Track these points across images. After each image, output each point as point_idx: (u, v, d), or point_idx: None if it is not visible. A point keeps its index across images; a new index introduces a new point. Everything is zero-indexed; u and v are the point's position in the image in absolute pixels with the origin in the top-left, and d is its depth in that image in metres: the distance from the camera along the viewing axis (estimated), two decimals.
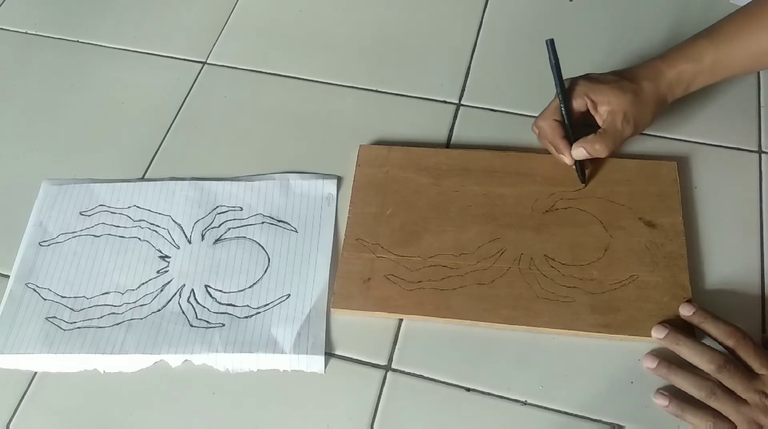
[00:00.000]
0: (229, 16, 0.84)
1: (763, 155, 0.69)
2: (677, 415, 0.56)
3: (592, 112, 0.65)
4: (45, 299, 0.64)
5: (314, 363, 0.60)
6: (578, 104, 0.65)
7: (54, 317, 0.63)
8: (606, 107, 0.64)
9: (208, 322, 0.62)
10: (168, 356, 0.61)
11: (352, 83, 0.77)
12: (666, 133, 0.71)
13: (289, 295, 0.64)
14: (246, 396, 0.60)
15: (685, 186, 0.67)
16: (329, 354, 0.61)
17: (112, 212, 0.69)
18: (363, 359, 0.61)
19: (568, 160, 0.65)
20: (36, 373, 0.62)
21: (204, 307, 0.63)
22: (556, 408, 0.57)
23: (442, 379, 0.59)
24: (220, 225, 0.68)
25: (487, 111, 0.74)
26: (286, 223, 0.68)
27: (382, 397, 0.59)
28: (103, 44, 0.83)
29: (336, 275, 0.64)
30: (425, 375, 0.59)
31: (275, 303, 0.63)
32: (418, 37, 0.80)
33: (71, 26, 0.84)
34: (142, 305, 0.64)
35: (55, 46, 0.83)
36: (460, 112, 0.74)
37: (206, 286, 0.65)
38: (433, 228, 0.65)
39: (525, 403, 0.58)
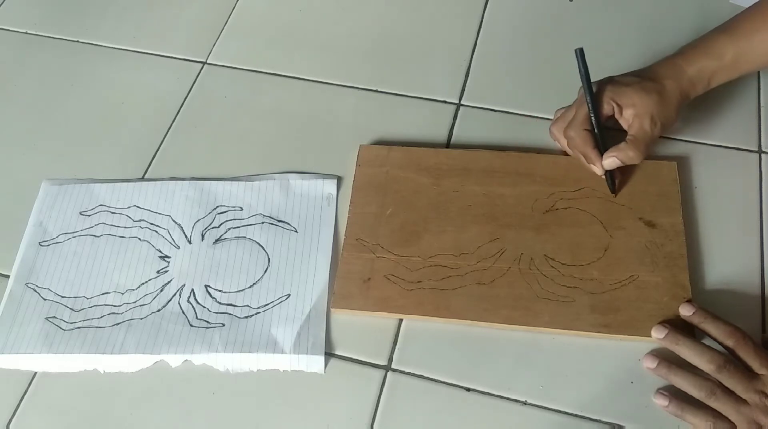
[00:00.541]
0: (229, 16, 0.84)
1: (763, 155, 0.69)
2: (677, 415, 0.56)
3: (617, 116, 0.65)
4: (45, 299, 0.64)
5: (314, 363, 0.60)
6: (605, 110, 0.65)
7: (54, 317, 0.63)
8: (631, 110, 0.63)
9: (208, 322, 0.62)
10: (168, 356, 0.61)
11: (352, 83, 0.77)
12: (666, 133, 0.70)
13: (289, 295, 0.64)
14: (246, 396, 0.60)
15: (685, 186, 0.67)
16: (329, 354, 0.61)
17: (112, 212, 0.69)
18: (363, 359, 0.61)
19: (599, 171, 0.65)
20: (36, 373, 0.62)
21: (204, 307, 0.63)
22: (556, 408, 0.57)
23: (442, 379, 0.59)
24: (220, 225, 0.68)
25: (487, 111, 0.74)
26: (286, 223, 0.68)
27: (382, 397, 0.59)
28: (103, 44, 0.83)
29: (336, 275, 0.64)
30: (425, 375, 0.60)
31: (275, 303, 0.63)
32: (418, 37, 0.80)
33: (71, 26, 0.84)
34: (142, 305, 0.64)
35: (55, 46, 0.83)
36: (460, 112, 0.74)
37: (206, 286, 0.65)
38: (433, 228, 0.65)
39: (525, 403, 0.58)
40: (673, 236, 0.63)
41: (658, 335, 0.58)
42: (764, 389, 0.54)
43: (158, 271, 0.66)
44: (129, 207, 0.69)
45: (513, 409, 0.58)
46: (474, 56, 0.78)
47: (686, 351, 0.57)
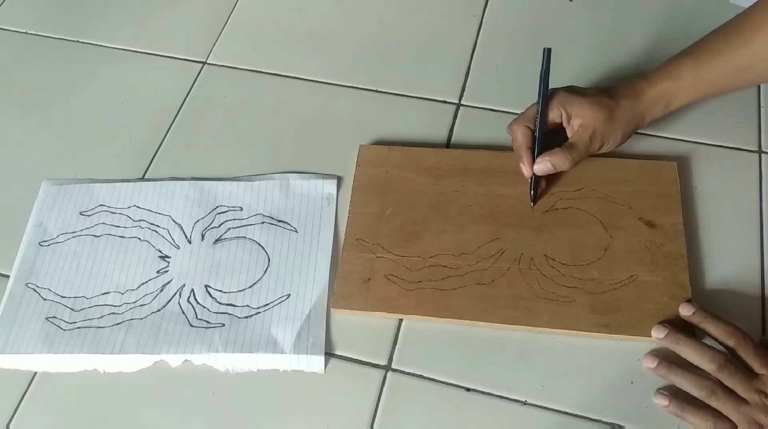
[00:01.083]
0: (229, 16, 0.84)
1: (763, 155, 0.69)
2: (677, 415, 0.56)
3: (565, 124, 0.66)
4: (45, 299, 0.64)
5: (314, 363, 0.60)
6: (554, 115, 0.65)
7: (54, 317, 0.63)
8: (579, 121, 0.64)
9: (208, 322, 0.62)
10: (168, 356, 0.61)
11: (352, 83, 0.77)
12: (666, 133, 0.71)
13: (289, 295, 0.64)
14: (246, 396, 0.60)
15: (685, 186, 0.67)
16: (329, 354, 0.61)
17: (112, 212, 0.69)
18: (363, 359, 0.61)
19: (526, 173, 0.65)
20: (36, 373, 0.62)
21: (204, 307, 0.63)
22: (556, 408, 0.57)
23: (442, 379, 0.59)
24: (220, 225, 0.68)
25: (487, 111, 0.74)
26: (286, 223, 0.68)
27: (382, 397, 0.59)
28: (103, 44, 0.83)
29: (336, 275, 0.64)
30: (425, 375, 0.60)
31: (275, 303, 0.63)
32: (418, 37, 0.80)
33: (71, 26, 0.84)
34: (142, 305, 0.64)
35: (55, 46, 0.83)
36: (460, 112, 0.74)
37: (206, 286, 0.64)
38: (433, 228, 0.65)
39: (525, 403, 0.58)
40: (673, 236, 0.63)
41: (658, 335, 0.58)
42: (764, 389, 0.54)
43: (158, 271, 0.66)
44: (129, 207, 0.69)
45: (513, 409, 0.58)
46: (474, 56, 0.78)
47: (686, 351, 0.57)
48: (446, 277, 0.62)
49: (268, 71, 0.79)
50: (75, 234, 0.68)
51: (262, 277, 0.65)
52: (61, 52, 0.82)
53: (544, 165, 0.64)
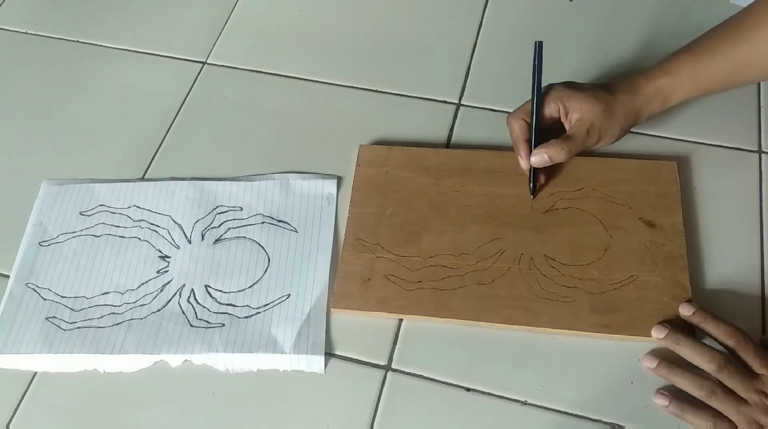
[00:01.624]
0: (229, 16, 0.84)
1: (763, 155, 0.69)
2: (677, 415, 0.56)
3: (563, 118, 0.66)
4: (45, 299, 0.64)
5: (314, 363, 0.60)
6: (551, 109, 0.65)
7: (54, 317, 0.63)
8: (577, 115, 0.64)
9: (208, 322, 0.62)
10: (168, 356, 0.61)
11: (352, 83, 0.77)
12: (666, 133, 0.71)
13: (289, 295, 0.64)
14: (246, 396, 0.60)
15: (685, 186, 0.67)
16: (329, 354, 0.61)
17: (112, 212, 0.69)
18: (363, 359, 0.61)
19: (523, 165, 0.65)
20: (36, 373, 0.62)
21: (204, 307, 0.63)
22: (556, 408, 0.57)
23: (442, 379, 0.59)
24: (220, 225, 0.68)
25: (487, 111, 0.74)
26: (286, 223, 0.68)
27: (382, 397, 0.59)
28: (103, 44, 0.83)
29: (336, 275, 0.64)
30: (425, 375, 0.60)
31: (275, 303, 0.63)
32: (418, 37, 0.80)
33: (71, 26, 0.84)
34: (142, 305, 0.64)
35: (55, 46, 0.83)
36: (460, 112, 0.74)
37: (206, 286, 0.65)
38: (433, 228, 0.65)
39: (525, 403, 0.58)
40: (673, 236, 0.63)
41: (658, 335, 0.58)
42: (764, 389, 0.54)
43: (158, 271, 0.66)
44: (129, 207, 0.69)
45: (513, 409, 0.58)
46: (474, 56, 0.78)
47: (686, 351, 0.57)
48: (446, 277, 0.62)
49: (268, 71, 0.79)
50: (75, 234, 0.68)
51: (262, 277, 0.65)
52: (61, 52, 0.82)
53: (540, 157, 0.64)
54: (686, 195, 0.66)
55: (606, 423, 0.57)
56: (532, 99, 0.65)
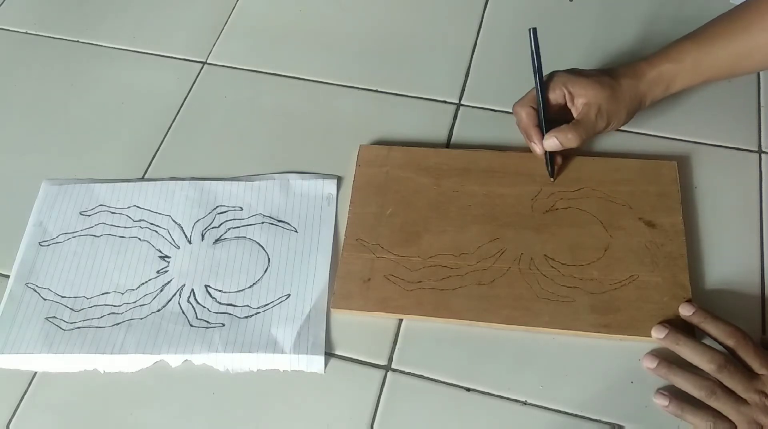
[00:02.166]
0: (229, 16, 0.84)
1: (763, 155, 0.69)
2: (677, 415, 0.56)
3: (569, 104, 0.66)
4: (45, 299, 0.64)
5: (314, 363, 0.60)
6: (556, 95, 0.65)
7: (54, 317, 0.63)
8: (582, 100, 0.64)
9: (208, 322, 0.62)
10: (168, 356, 0.61)
11: (352, 83, 0.77)
12: (666, 133, 0.71)
13: (289, 295, 0.64)
14: (246, 396, 0.60)
15: (685, 186, 0.67)
16: (329, 354, 0.61)
17: (112, 212, 0.69)
18: (363, 359, 0.61)
19: (538, 150, 0.66)
20: (36, 373, 0.62)
21: (204, 307, 0.63)
22: (556, 408, 0.57)
23: (442, 379, 0.59)
24: (220, 225, 0.68)
25: (487, 111, 0.74)
26: (286, 223, 0.68)
27: (382, 397, 0.59)
28: (103, 44, 0.83)
29: (336, 275, 0.64)
30: (425, 375, 0.60)
31: (275, 303, 0.63)
32: (418, 37, 0.80)
33: (71, 26, 0.84)
34: (142, 305, 0.64)
35: (55, 46, 0.83)
36: (460, 112, 0.74)
37: (206, 286, 0.65)
38: (433, 228, 0.65)
39: (525, 403, 0.58)
40: (673, 236, 0.63)
41: (658, 335, 0.58)
42: (764, 389, 0.54)
43: (158, 271, 0.66)
44: (129, 207, 0.69)
45: (513, 409, 0.58)
46: (474, 56, 0.78)
47: (686, 351, 0.57)
48: (446, 277, 0.62)
49: (268, 71, 0.79)
50: (75, 234, 0.68)
51: (262, 277, 0.65)
52: (61, 52, 0.82)
53: (551, 141, 0.64)
54: (686, 195, 0.66)
55: (606, 423, 0.57)
56: (536, 85, 0.65)
